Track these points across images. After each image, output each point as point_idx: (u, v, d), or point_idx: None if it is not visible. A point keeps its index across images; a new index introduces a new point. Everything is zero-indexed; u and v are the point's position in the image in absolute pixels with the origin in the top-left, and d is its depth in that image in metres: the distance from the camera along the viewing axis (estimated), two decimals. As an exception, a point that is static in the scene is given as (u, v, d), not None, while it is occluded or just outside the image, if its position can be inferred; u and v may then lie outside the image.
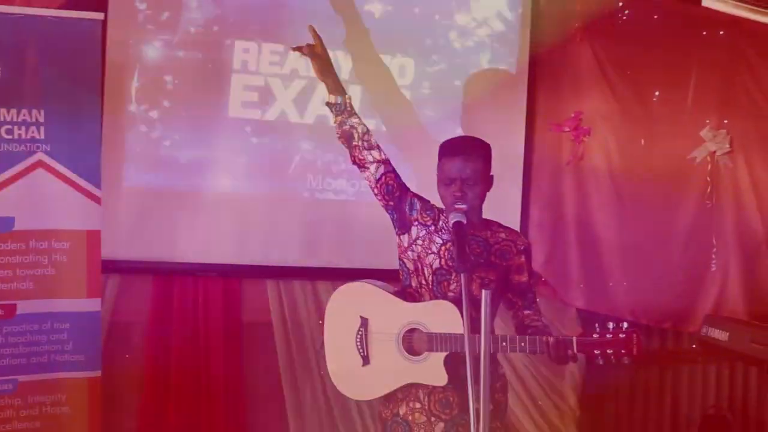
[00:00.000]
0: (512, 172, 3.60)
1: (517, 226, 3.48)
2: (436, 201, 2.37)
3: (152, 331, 3.26)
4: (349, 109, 2.36)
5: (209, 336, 3.31)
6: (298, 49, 2.37)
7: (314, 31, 2.39)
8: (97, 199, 2.93)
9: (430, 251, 2.25)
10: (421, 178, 2.73)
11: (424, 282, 2.24)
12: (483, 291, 1.79)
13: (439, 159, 2.25)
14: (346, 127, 2.36)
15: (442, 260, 2.22)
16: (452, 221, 2.11)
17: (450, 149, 2.24)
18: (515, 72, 3.59)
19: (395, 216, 2.32)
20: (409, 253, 2.27)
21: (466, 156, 2.19)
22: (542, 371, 3.63)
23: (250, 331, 3.39)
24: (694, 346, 3.56)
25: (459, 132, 3.38)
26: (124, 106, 3.21)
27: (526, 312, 2.30)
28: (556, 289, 3.69)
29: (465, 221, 2.11)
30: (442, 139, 2.35)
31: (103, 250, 2.95)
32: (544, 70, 3.64)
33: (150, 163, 3.26)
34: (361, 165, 2.33)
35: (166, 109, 3.24)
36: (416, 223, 2.27)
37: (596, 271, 3.67)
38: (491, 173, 2.27)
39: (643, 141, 3.71)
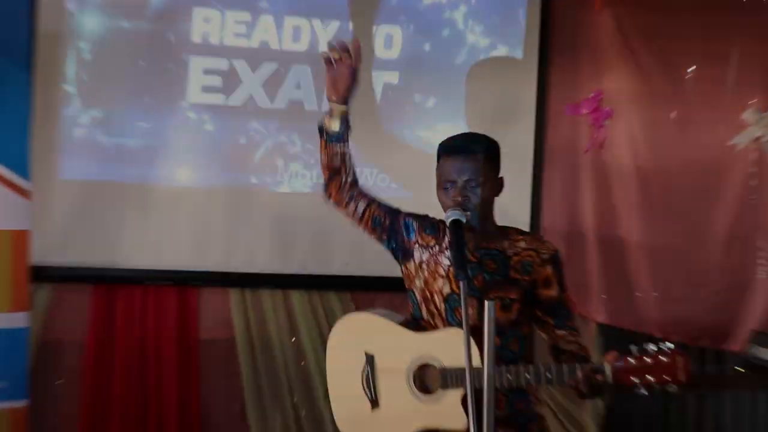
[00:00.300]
0: (519, 164, 3.52)
1: (525, 228, 3.16)
2: (438, 212, 2.25)
3: (91, 351, 3.18)
4: (346, 139, 2.24)
5: (160, 357, 3.21)
6: (332, 50, 2.18)
7: (358, 46, 2.20)
8: (25, 194, 2.85)
9: (437, 275, 2.16)
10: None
11: (435, 310, 2.17)
12: (486, 302, 1.69)
13: (438, 160, 2.16)
14: (337, 160, 2.25)
15: (453, 284, 2.15)
16: (449, 219, 2.01)
17: (449, 148, 2.14)
18: (523, 49, 3.55)
19: (394, 246, 2.26)
20: (417, 281, 2.21)
21: (467, 154, 2.10)
22: (556, 397, 3.49)
23: (210, 350, 3.32)
24: (738, 368, 3.27)
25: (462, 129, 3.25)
26: (59, 84, 3.10)
27: (559, 332, 2.19)
28: (573, 301, 3.22)
29: (465, 219, 2.02)
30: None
31: (33, 255, 2.93)
32: (558, 43, 3.58)
33: (90, 151, 3.16)
34: (339, 203, 2.28)
35: (110, 88, 3.14)
36: (416, 245, 2.21)
37: (620, 280, 3.51)
38: (500, 175, 2.16)
39: (674, 125, 3.46)
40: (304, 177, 3.34)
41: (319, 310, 3.35)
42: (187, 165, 3.26)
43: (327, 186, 2.28)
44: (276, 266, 3.35)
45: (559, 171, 3.63)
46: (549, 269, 2.19)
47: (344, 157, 2.25)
